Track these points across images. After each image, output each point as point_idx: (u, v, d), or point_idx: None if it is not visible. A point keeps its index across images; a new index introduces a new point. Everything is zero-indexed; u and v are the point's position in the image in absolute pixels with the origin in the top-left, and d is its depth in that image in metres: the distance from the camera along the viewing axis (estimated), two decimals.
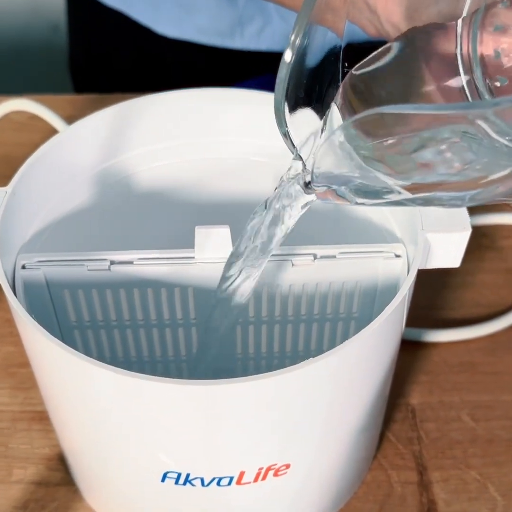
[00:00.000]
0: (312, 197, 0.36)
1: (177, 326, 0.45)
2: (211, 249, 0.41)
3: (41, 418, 0.50)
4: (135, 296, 0.43)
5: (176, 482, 0.39)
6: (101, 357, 0.46)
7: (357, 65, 0.35)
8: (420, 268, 0.39)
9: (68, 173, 0.45)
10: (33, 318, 0.35)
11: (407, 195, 0.30)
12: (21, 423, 0.50)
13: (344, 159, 0.31)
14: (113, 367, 0.33)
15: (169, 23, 0.72)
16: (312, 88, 0.34)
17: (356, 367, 0.37)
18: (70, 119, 0.71)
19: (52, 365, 0.37)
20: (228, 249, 0.41)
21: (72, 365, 0.34)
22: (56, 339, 0.34)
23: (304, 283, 0.43)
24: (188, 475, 0.38)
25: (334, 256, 0.42)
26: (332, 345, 0.46)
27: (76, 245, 0.44)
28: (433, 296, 0.58)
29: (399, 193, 0.30)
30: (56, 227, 0.44)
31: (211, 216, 0.47)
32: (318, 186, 0.34)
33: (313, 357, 0.34)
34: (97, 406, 0.37)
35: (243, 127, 0.48)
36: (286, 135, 0.34)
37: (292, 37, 0.32)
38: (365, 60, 0.35)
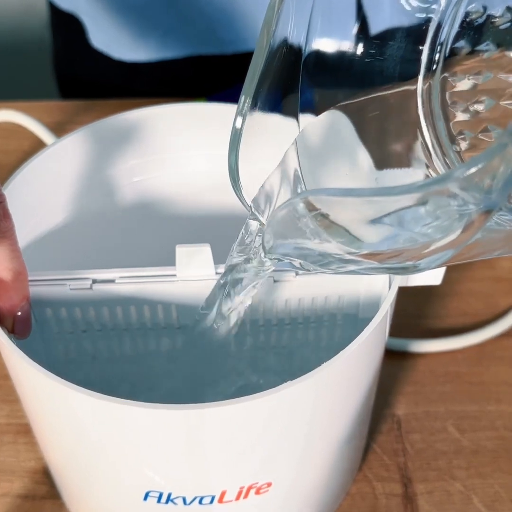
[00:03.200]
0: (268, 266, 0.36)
1: (160, 340, 0.45)
2: (192, 267, 0.41)
3: (26, 431, 0.50)
4: (118, 313, 0.43)
5: (158, 501, 0.39)
6: (87, 374, 0.46)
7: None
8: (401, 286, 0.39)
9: (52, 189, 0.45)
10: (12, 341, 0.36)
11: (368, 264, 0.30)
12: (7, 436, 0.50)
13: (298, 229, 0.31)
14: (93, 392, 0.33)
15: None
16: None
17: (338, 386, 0.37)
18: (57, 126, 0.71)
19: (33, 388, 0.37)
20: (210, 267, 0.41)
21: (53, 390, 0.34)
22: (36, 364, 0.34)
23: (287, 299, 0.43)
24: (170, 494, 0.38)
25: None
26: (317, 357, 0.46)
27: (59, 261, 0.44)
28: (420, 304, 0.58)
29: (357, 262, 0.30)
30: (39, 244, 0.44)
31: (197, 231, 0.48)
32: (272, 258, 0.34)
33: (297, 371, 0.34)
34: (77, 428, 0.37)
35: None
36: (240, 196, 0.35)
37: (240, 106, 0.33)
38: None
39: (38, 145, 0.69)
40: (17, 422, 0.51)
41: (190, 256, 0.41)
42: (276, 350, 0.46)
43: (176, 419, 0.33)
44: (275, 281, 0.42)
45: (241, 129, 0.33)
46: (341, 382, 0.37)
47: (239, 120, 0.33)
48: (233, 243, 0.38)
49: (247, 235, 0.36)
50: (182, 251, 0.41)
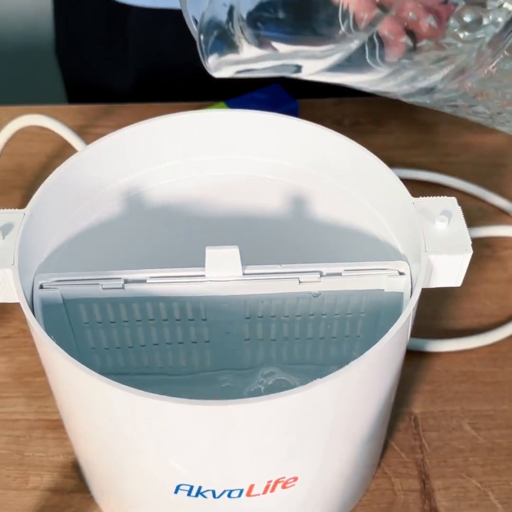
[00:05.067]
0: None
1: (190, 343, 0.46)
2: (221, 268, 0.43)
3: (55, 426, 0.52)
4: (148, 310, 0.44)
5: (189, 494, 0.40)
6: (116, 367, 0.48)
7: None
8: (423, 287, 0.40)
9: (83, 193, 0.47)
10: (51, 338, 0.37)
11: None
12: (37, 432, 0.52)
13: None
14: (127, 387, 0.34)
15: None
16: None
17: (362, 386, 0.39)
18: (79, 129, 0.72)
19: (68, 383, 0.38)
20: (237, 268, 0.43)
21: (88, 384, 0.36)
22: (72, 358, 0.36)
23: (310, 298, 0.44)
24: (200, 488, 0.40)
25: (339, 274, 0.43)
26: (339, 354, 0.48)
27: (89, 262, 0.45)
28: (436, 306, 0.59)
29: None
30: (70, 246, 0.46)
31: (219, 232, 0.49)
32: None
33: (319, 369, 0.35)
34: (111, 422, 0.38)
35: (250, 145, 0.50)
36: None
37: None
38: None
39: (61, 148, 0.71)
40: (46, 418, 0.52)
41: (219, 257, 0.42)
42: (299, 341, 0.47)
43: (208, 414, 0.35)
44: (300, 282, 0.43)
45: None
46: (366, 381, 0.39)
47: None
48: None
49: None
50: (211, 252, 0.42)
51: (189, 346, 0.47)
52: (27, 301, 0.39)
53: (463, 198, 0.67)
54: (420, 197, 0.43)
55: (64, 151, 0.70)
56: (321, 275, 0.43)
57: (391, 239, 0.45)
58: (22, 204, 0.66)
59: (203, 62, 0.35)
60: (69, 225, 0.46)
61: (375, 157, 0.45)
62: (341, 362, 0.48)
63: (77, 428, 0.43)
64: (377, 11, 0.30)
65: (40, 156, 0.71)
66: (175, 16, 0.75)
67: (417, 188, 0.65)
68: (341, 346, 0.47)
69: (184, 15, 0.35)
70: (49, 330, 0.39)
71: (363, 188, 0.47)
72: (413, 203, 0.43)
